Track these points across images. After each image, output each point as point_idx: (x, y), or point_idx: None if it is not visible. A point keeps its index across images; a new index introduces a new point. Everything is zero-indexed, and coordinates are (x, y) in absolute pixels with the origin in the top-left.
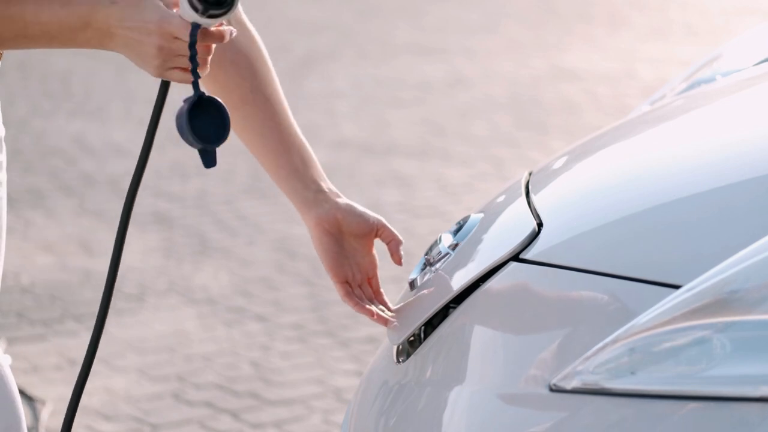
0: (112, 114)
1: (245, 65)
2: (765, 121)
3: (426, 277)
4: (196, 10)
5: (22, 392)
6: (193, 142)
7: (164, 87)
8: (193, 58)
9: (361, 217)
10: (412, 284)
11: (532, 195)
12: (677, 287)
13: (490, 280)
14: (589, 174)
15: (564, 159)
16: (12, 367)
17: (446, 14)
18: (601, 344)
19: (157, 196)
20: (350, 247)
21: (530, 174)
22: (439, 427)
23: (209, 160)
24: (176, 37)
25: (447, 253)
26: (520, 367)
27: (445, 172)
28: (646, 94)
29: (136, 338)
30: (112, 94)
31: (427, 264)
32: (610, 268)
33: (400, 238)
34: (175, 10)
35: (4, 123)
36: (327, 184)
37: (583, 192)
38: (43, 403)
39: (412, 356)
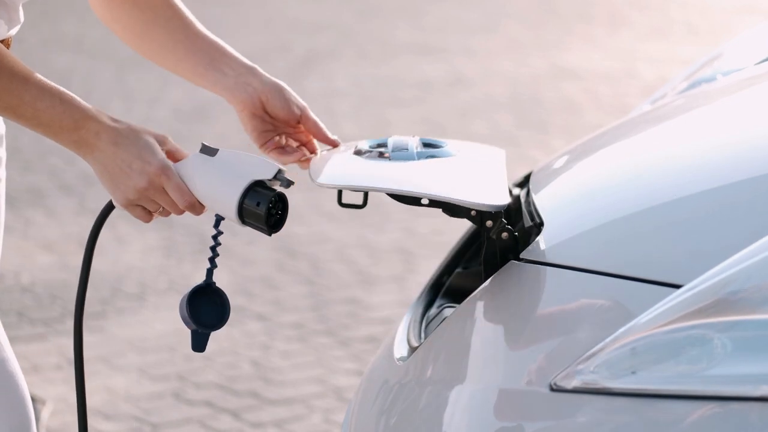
0: (111, 113)
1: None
2: (765, 120)
3: (376, 157)
4: (241, 220)
5: None
6: (189, 322)
7: (108, 210)
8: (213, 249)
9: (286, 103)
10: (359, 152)
11: (532, 194)
12: (678, 287)
13: (490, 279)
14: (589, 173)
15: (564, 158)
16: None
17: (446, 14)
18: (601, 344)
19: None
20: (280, 124)
21: (530, 173)
22: (439, 426)
23: (199, 344)
24: (164, 190)
25: (411, 156)
26: (521, 366)
27: None
28: (646, 93)
29: (136, 337)
30: (111, 93)
31: (382, 152)
32: (610, 267)
33: (324, 128)
34: (163, 154)
35: (5, 121)
36: (249, 67)
37: (583, 191)
38: (43, 403)
39: (412, 356)
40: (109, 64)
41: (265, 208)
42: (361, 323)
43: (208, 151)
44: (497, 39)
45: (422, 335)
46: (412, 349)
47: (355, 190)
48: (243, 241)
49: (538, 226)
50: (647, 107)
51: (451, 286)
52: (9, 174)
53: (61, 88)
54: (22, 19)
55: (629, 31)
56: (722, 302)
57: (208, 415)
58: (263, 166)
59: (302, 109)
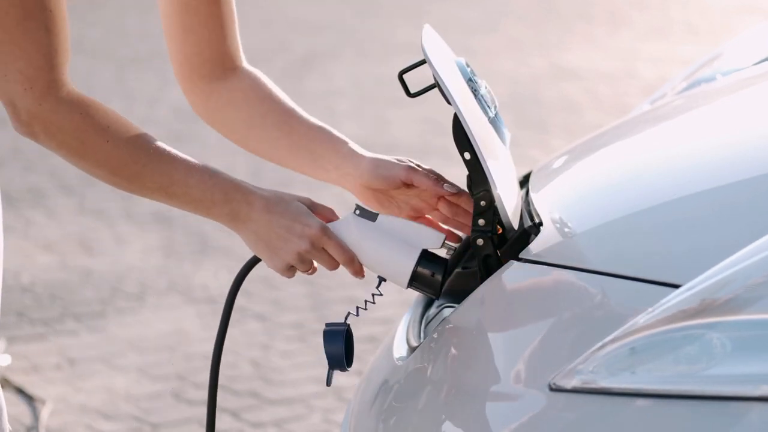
0: None
1: (242, 100)
2: (765, 120)
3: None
4: (409, 284)
5: (21, 391)
6: (343, 364)
7: (253, 264)
8: (366, 302)
9: (384, 179)
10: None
11: (531, 194)
12: (677, 286)
13: (489, 279)
14: (589, 173)
15: (564, 158)
16: (12, 367)
17: (446, 13)
18: (600, 343)
19: None
20: (397, 197)
21: (530, 173)
22: (438, 426)
23: (330, 377)
24: (324, 249)
25: (499, 126)
26: (520, 366)
27: (446, 171)
28: (646, 93)
29: (136, 337)
30: (111, 93)
31: (489, 106)
32: (610, 267)
33: (432, 175)
34: (315, 214)
35: (4, 121)
36: (345, 153)
37: (583, 191)
38: (43, 402)
39: (411, 356)
40: (109, 64)
41: (441, 276)
42: (361, 323)
43: (367, 215)
44: (497, 38)
45: (422, 335)
46: (412, 349)
47: (441, 88)
48: (242, 241)
49: (538, 226)
50: (647, 107)
51: (450, 286)
52: (9, 174)
53: (205, 163)
54: None
55: (629, 31)
56: (721, 302)
57: None
58: (429, 235)
59: (406, 172)
